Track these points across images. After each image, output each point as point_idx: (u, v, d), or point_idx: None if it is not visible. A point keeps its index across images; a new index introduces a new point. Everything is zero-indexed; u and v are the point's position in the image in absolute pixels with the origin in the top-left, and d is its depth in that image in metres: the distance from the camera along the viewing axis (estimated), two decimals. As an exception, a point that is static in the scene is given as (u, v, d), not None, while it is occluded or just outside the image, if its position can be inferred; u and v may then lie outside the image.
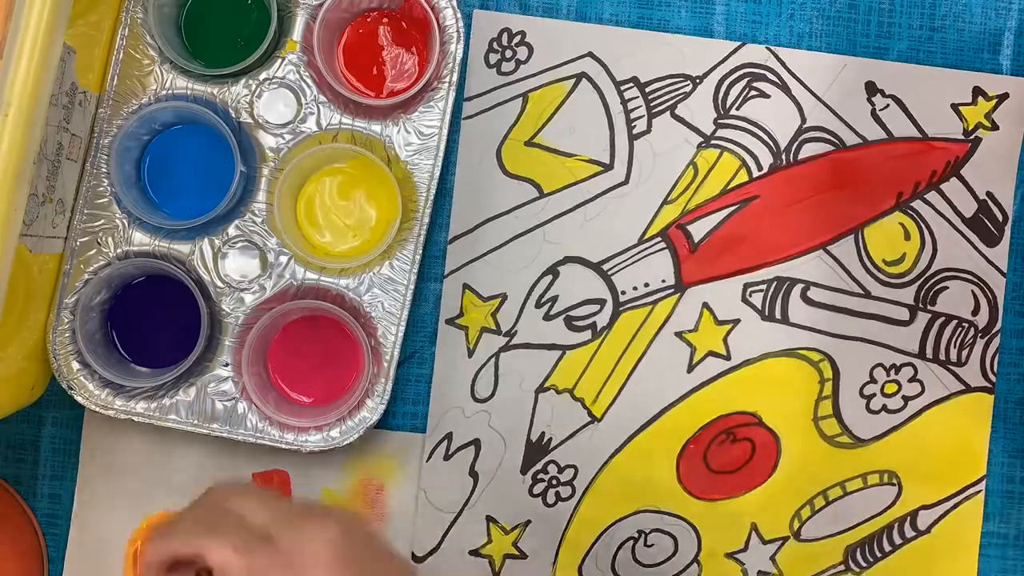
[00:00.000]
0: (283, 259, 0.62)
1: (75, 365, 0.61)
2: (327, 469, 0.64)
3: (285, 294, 0.62)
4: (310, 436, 0.61)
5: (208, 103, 0.61)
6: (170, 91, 0.62)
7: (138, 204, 0.60)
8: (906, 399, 0.65)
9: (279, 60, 0.62)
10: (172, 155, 0.63)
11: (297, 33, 0.62)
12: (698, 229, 0.65)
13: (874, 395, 0.65)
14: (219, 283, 0.62)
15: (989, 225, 0.65)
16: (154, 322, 0.62)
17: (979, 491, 0.65)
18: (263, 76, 0.62)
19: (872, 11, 0.66)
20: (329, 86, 0.61)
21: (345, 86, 0.62)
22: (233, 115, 0.62)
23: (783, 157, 0.65)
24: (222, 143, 0.60)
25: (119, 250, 0.61)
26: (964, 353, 0.65)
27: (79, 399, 0.60)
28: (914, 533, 0.65)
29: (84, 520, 0.64)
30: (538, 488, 0.64)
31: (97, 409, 0.60)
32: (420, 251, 0.61)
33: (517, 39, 0.65)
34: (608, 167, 0.65)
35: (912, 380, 0.65)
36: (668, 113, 0.65)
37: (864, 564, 0.64)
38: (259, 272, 0.62)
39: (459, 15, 0.61)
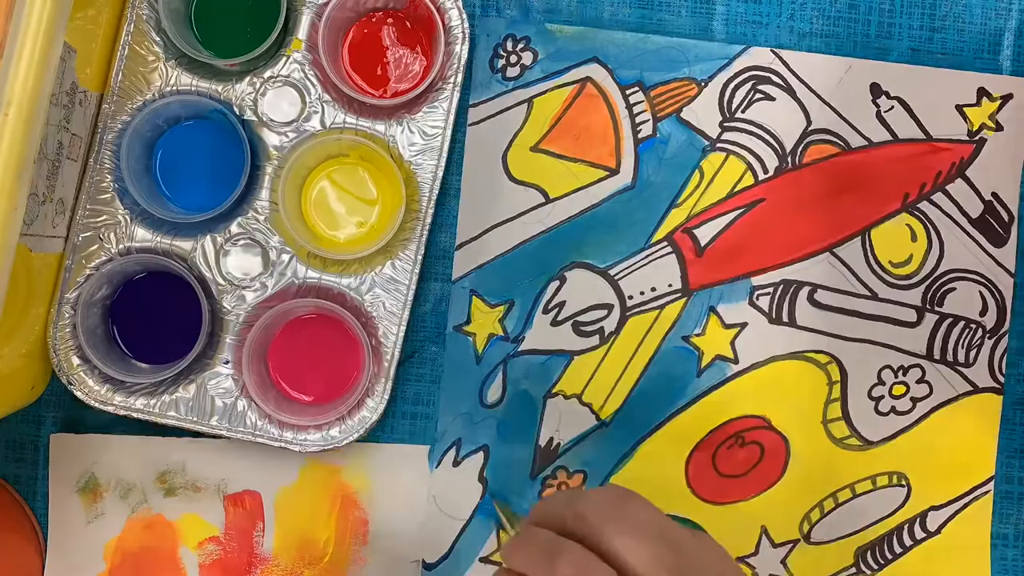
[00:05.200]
0: (285, 257, 0.62)
1: (75, 360, 0.60)
2: (325, 469, 0.64)
3: (286, 292, 0.62)
4: (309, 435, 0.61)
5: (213, 100, 0.61)
6: (174, 88, 0.61)
7: (149, 197, 0.60)
8: (914, 400, 0.65)
9: (284, 58, 0.62)
10: (179, 151, 0.63)
11: (302, 32, 0.62)
12: (704, 233, 0.65)
13: (882, 397, 0.65)
14: (221, 280, 0.61)
15: (995, 226, 0.65)
16: (155, 318, 0.62)
17: (988, 491, 0.65)
18: (267, 74, 0.62)
19: (872, 11, 0.66)
20: (333, 85, 0.61)
21: (349, 85, 0.62)
22: (237, 113, 0.62)
23: (789, 160, 0.65)
24: (229, 139, 0.60)
25: (121, 246, 0.61)
26: (972, 354, 0.65)
27: (79, 395, 0.60)
28: (924, 534, 0.65)
29: (61, 527, 0.63)
30: (548, 493, 0.64)
31: (97, 405, 0.60)
32: (422, 251, 0.61)
33: (521, 44, 0.65)
34: (614, 171, 0.65)
35: (920, 381, 0.65)
36: (673, 117, 0.65)
37: (875, 566, 0.64)
38: (261, 270, 0.62)
39: (464, 16, 0.61)
